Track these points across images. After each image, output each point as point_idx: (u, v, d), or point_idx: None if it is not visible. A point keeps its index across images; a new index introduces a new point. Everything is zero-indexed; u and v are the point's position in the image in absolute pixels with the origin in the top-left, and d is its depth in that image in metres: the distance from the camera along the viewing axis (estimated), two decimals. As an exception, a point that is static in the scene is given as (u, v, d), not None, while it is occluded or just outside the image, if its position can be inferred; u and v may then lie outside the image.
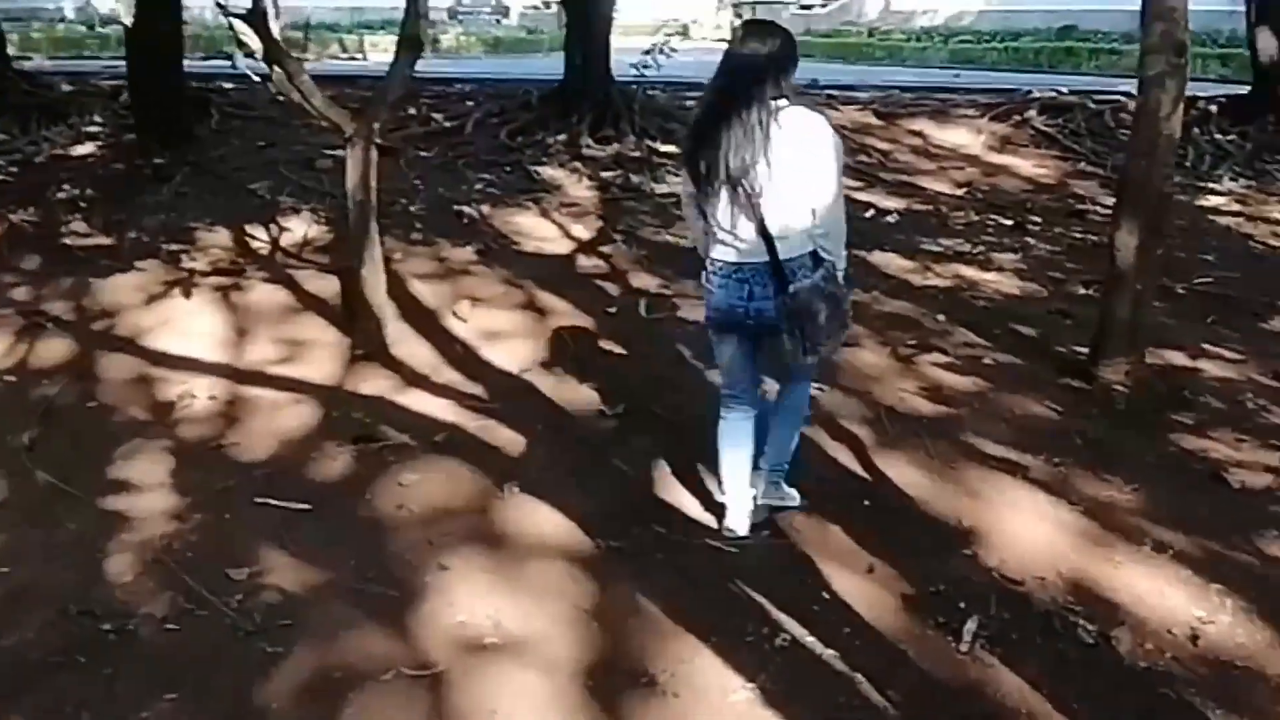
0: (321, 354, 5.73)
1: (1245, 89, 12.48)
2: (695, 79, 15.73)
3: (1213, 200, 9.76)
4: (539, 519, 4.08)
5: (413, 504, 4.17)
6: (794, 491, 4.19)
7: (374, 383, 5.35)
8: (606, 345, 5.88)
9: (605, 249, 7.82)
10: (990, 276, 7.41)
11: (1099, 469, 4.57)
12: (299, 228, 7.83)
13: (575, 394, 5.26)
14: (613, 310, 6.45)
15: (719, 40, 38.28)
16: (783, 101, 3.50)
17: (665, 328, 6.20)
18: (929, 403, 5.22)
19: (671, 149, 11.13)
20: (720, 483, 4.05)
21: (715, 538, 3.98)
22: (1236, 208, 9.61)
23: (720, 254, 3.65)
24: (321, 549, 3.87)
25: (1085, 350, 5.74)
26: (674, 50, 12.73)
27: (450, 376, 5.46)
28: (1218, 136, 11.48)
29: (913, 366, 5.68)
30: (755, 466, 4.07)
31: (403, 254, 7.39)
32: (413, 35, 5.84)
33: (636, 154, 10.96)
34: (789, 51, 3.56)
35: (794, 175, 3.48)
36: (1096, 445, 4.81)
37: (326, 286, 6.50)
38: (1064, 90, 13.90)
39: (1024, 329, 6.34)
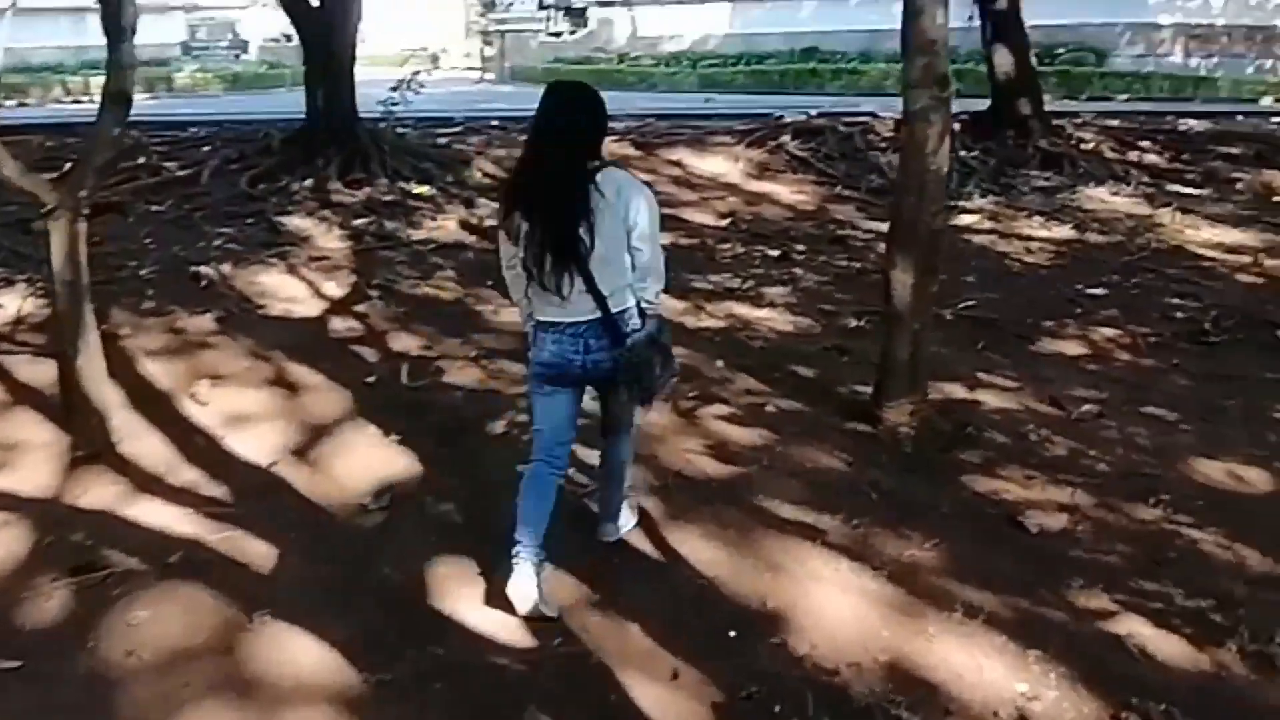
0: (36, 459, 4.99)
1: (983, 105, 12.91)
2: (445, 113, 15.34)
3: (965, 219, 9.96)
4: (296, 652, 3.53)
5: (145, 649, 3.54)
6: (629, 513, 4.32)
7: (97, 492, 4.65)
8: (366, 423, 5.34)
9: (360, 307, 7.28)
10: (763, 314, 7.26)
11: (896, 524, 4.38)
12: (11, 303, 7.01)
13: (333, 486, 4.71)
14: (371, 380, 5.93)
15: (469, 69, 37.91)
16: (596, 164, 3.57)
17: (431, 397, 5.72)
18: (716, 462, 4.94)
19: (425, 190, 10.66)
20: (514, 544, 3.71)
21: (502, 653, 3.55)
22: (989, 225, 9.85)
23: (551, 315, 3.67)
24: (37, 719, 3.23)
25: (866, 389, 5.62)
26: (422, 86, 12.25)
27: (188, 476, 4.82)
28: (962, 154, 11.80)
29: (696, 422, 5.39)
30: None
31: (131, 328, 6.67)
32: (117, 90, 5.17)
33: (390, 197, 10.43)
34: (600, 115, 3.63)
35: (616, 237, 3.55)
36: (890, 497, 4.63)
37: (43, 374, 5.69)
38: (813, 113, 14.14)
39: (803, 370, 6.17)
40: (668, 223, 9.73)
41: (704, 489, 4.68)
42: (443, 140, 13.03)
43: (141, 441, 5.15)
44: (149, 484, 4.74)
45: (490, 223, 9.73)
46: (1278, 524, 4.49)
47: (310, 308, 7.28)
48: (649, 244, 3.62)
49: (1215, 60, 25.44)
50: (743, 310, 7.34)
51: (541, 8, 36.07)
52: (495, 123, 14.40)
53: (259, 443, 5.13)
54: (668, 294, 7.34)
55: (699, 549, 4.18)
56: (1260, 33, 25.67)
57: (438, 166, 11.54)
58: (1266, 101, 20.53)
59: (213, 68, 30.34)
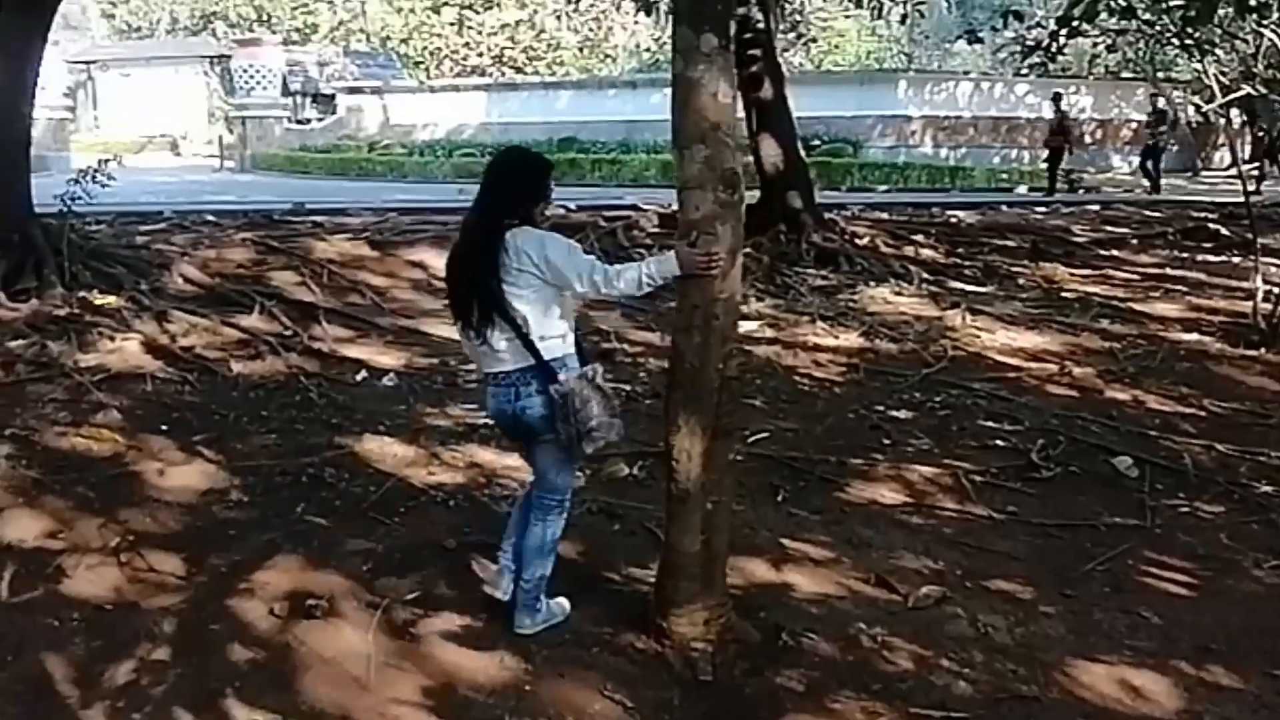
0: None
1: (751, 198, 11.98)
2: (152, 206, 13.43)
3: (744, 326, 8.81)
4: None
5: None
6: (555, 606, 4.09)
7: None
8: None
9: (-22, 472, 5.44)
10: (514, 461, 5.74)
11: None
12: None
13: None
14: (-50, 598, 4.15)
15: (209, 157, 35.40)
16: (515, 222, 3.69)
17: (34, 621, 3.98)
18: (439, 720, 3.42)
19: (111, 300, 8.82)
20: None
21: None
22: (770, 333, 8.75)
23: (488, 366, 3.81)
24: None
25: (645, 575, 4.27)
26: (111, 177, 10.32)
27: None
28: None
29: (415, 646, 3.86)
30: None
31: None
32: None
33: (63, 311, 8.52)
34: (518, 176, 3.83)
35: (533, 289, 3.65)
36: (691, 772, 3.22)
37: None
38: (572, 206, 13.04)
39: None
40: (403, 337, 8.30)
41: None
42: (141, 240, 11.14)
43: None
44: None
45: (184, 342, 8.03)
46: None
47: (-98, 476, 5.40)
48: (575, 280, 3.68)
49: (964, 151, 25.99)
50: (488, 456, 5.86)
51: (287, 93, 34.08)
52: (210, 218, 12.59)
53: None
54: (391, 437, 5.93)
55: None
56: (1005, 124, 26.44)
57: (130, 272, 9.67)
58: (1022, 190, 20.79)
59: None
